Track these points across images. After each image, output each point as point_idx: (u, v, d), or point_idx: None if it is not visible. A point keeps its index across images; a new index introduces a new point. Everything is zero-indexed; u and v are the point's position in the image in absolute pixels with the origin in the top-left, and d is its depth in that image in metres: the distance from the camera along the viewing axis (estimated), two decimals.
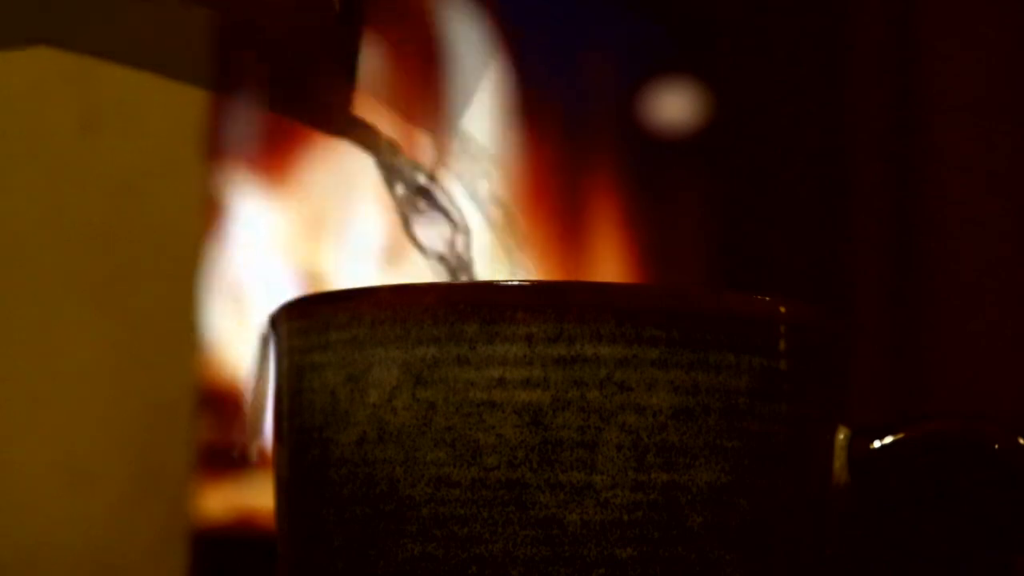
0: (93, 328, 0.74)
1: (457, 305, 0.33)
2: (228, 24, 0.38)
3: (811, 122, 1.46)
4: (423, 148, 0.40)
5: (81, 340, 0.74)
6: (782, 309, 0.34)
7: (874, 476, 0.35)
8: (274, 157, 1.38)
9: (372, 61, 0.39)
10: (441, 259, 0.39)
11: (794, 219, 1.46)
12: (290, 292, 1.26)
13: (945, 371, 1.37)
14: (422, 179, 0.39)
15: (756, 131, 1.47)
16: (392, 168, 0.39)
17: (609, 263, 1.46)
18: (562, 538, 0.32)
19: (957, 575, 0.38)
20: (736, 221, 1.49)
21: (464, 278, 0.39)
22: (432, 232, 0.39)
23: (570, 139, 1.50)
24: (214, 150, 1.06)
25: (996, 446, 0.35)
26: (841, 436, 0.35)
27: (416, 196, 0.39)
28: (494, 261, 0.40)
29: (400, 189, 0.39)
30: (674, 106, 1.50)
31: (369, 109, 0.39)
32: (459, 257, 0.39)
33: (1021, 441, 0.35)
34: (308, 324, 0.35)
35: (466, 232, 0.39)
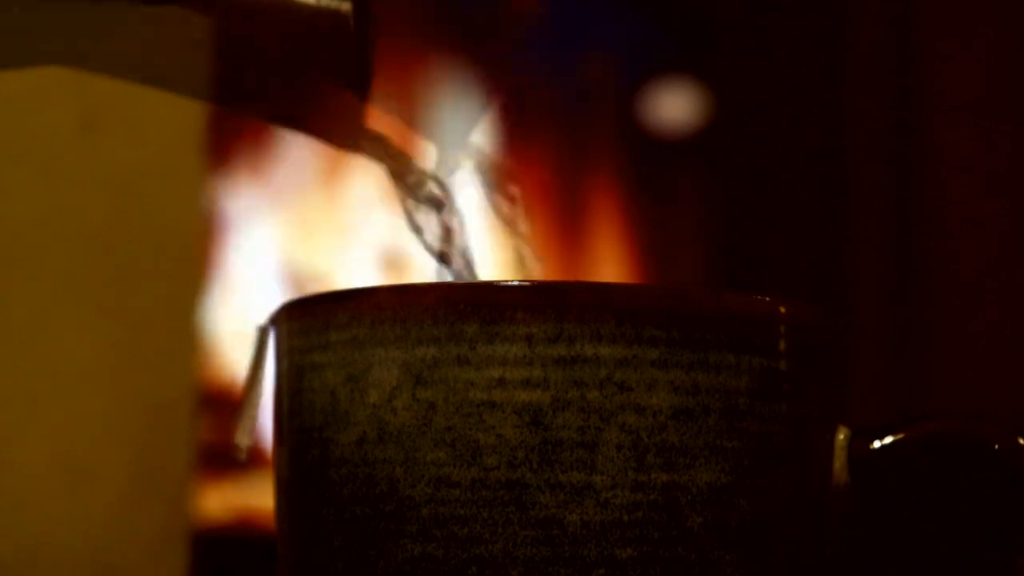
0: (93, 328, 0.74)
1: (457, 305, 0.33)
2: (235, 38, 0.38)
3: (811, 122, 1.46)
4: (430, 156, 0.40)
5: (81, 340, 0.74)
6: (782, 309, 0.34)
7: (874, 476, 0.35)
8: (274, 157, 1.38)
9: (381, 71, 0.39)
10: (446, 263, 0.40)
11: (794, 219, 1.46)
12: (290, 292, 1.26)
13: (945, 371, 1.38)
14: (431, 187, 0.39)
15: (756, 131, 1.47)
16: (401, 177, 0.39)
17: (609, 263, 1.46)
18: (562, 538, 0.32)
19: (957, 575, 0.38)
20: (736, 221, 1.49)
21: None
22: (438, 236, 0.40)
23: (570, 139, 1.50)
24: (214, 150, 1.06)
25: (996, 446, 0.35)
26: (841, 436, 0.35)
27: (424, 203, 0.39)
28: (502, 265, 0.40)
29: (409, 197, 0.39)
30: (674, 106, 1.50)
31: (376, 119, 0.39)
32: (465, 262, 0.40)
33: (1021, 441, 0.35)
34: (308, 324, 0.35)
35: (469, 236, 0.40)
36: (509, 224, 0.41)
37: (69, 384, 0.74)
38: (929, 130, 1.39)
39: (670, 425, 0.32)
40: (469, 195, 0.40)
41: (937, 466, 0.35)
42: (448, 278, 0.40)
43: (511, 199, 0.41)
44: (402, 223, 0.40)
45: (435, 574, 0.32)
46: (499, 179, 0.41)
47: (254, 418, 0.38)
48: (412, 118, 0.40)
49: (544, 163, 1.45)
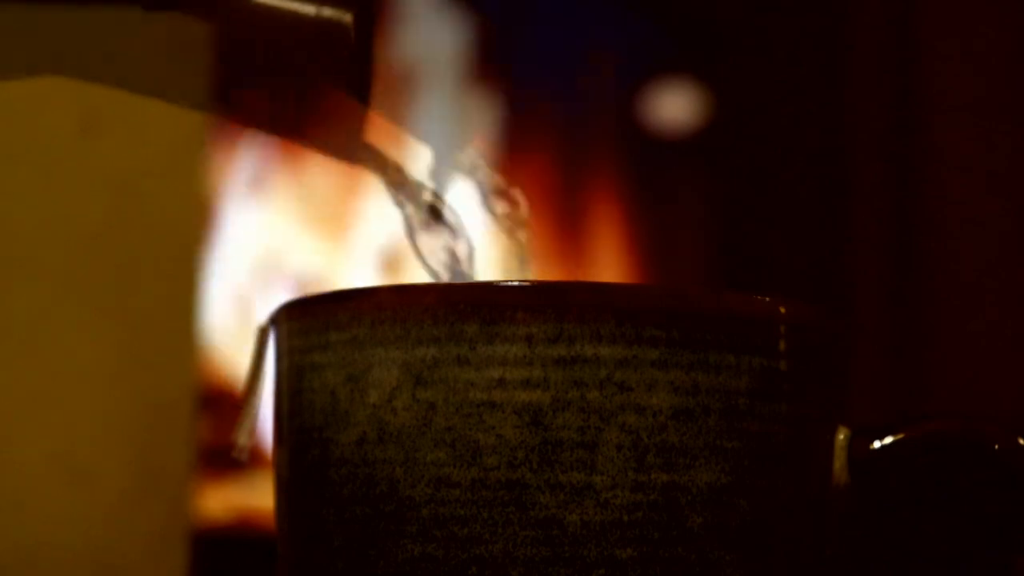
0: (93, 328, 0.74)
1: (457, 305, 0.33)
2: (235, 48, 0.38)
3: (811, 122, 1.46)
4: (428, 166, 0.40)
5: (81, 340, 0.74)
6: (782, 309, 0.34)
7: (874, 476, 0.35)
8: (274, 157, 1.38)
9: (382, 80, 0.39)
10: (446, 271, 0.40)
11: (794, 219, 1.46)
12: (290, 292, 1.26)
13: (945, 371, 1.37)
14: (428, 197, 0.40)
15: (756, 131, 1.47)
16: (399, 188, 0.39)
17: (609, 263, 1.46)
18: (562, 538, 0.32)
19: (957, 575, 0.38)
20: (736, 221, 1.49)
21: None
22: (437, 246, 0.40)
23: (570, 139, 1.50)
24: (214, 151, 1.06)
25: (996, 446, 0.35)
26: (841, 436, 0.35)
27: (423, 213, 0.40)
28: (503, 271, 0.40)
29: (407, 208, 0.39)
30: (674, 106, 1.50)
31: (376, 131, 0.39)
32: (462, 272, 0.40)
33: (1021, 441, 0.35)
34: (308, 324, 0.35)
35: (470, 245, 0.40)
36: (509, 229, 0.41)
37: (69, 384, 0.74)
38: (929, 130, 1.39)
39: (670, 425, 0.32)
40: (469, 200, 0.40)
41: (937, 466, 0.35)
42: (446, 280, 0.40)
43: (512, 204, 0.41)
44: (409, 240, 0.40)
45: (435, 574, 0.32)
46: (500, 183, 0.41)
47: (254, 418, 0.38)
48: (405, 122, 0.41)
49: (544, 163, 1.45)
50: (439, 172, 0.40)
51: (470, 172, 0.40)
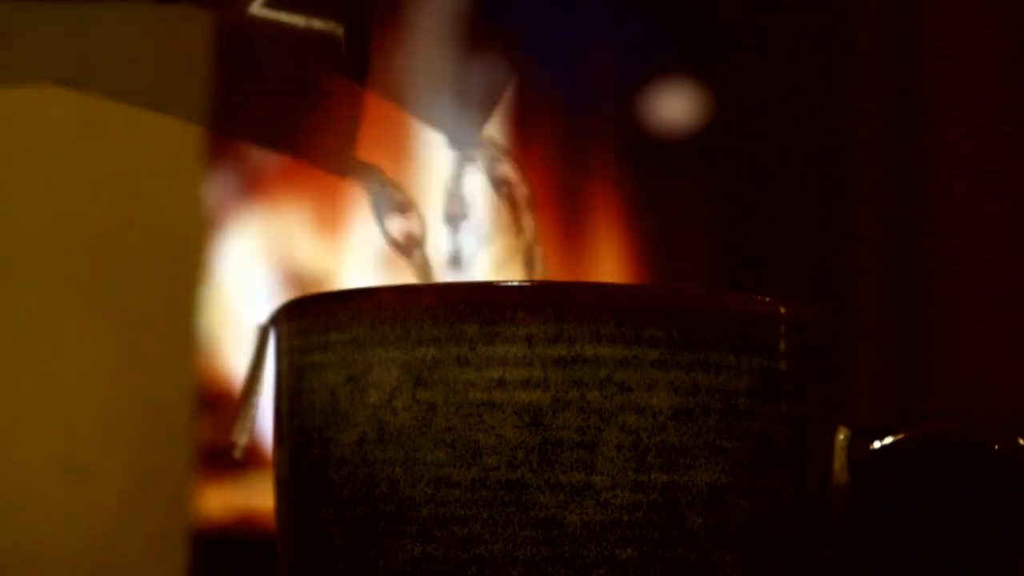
0: (93, 328, 0.74)
1: (457, 305, 0.33)
2: (230, 61, 0.38)
3: (811, 122, 1.46)
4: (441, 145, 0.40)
5: (81, 340, 0.74)
6: (782, 309, 0.34)
7: (874, 476, 0.35)
8: (273, 157, 1.38)
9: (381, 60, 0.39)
10: (410, 255, 0.40)
11: (794, 219, 1.46)
12: (289, 292, 1.26)
13: (945, 371, 1.37)
14: (399, 197, 0.40)
15: (756, 131, 1.47)
16: (381, 198, 0.40)
17: (609, 263, 1.46)
18: (562, 539, 0.32)
19: (957, 575, 0.38)
20: (736, 221, 1.49)
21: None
22: (399, 231, 0.40)
23: (570, 139, 1.49)
24: (214, 151, 1.06)
25: (996, 446, 0.35)
26: (841, 436, 0.35)
27: (385, 208, 0.40)
28: (505, 264, 0.40)
29: (389, 218, 0.40)
30: (674, 106, 1.50)
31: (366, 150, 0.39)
32: (422, 250, 0.40)
33: (1021, 441, 0.35)
34: (308, 324, 0.35)
35: (423, 222, 0.40)
36: (515, 225, 0.41)
37: (69, 384, 0.74)
38: (929, 130, 1.39)
39: (670, 425, 0.32)
40: (479, 196, 0.40)
41: (937, 466, 0.35)
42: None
43: (518, 202, 0.41)
44: (391, 247, 0.40)
45: (435, 574, 0.32)
46: (507, 181, 0.41)
47: (253, 417, 0.38)
48: (419, 109, 0.41)
49: (544, 163, 1.45)
50: (457, 155, 0.40)
51: (482, 159, 0.40)
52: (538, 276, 0.41)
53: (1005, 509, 0.36)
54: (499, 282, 0.34)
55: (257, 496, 1.26)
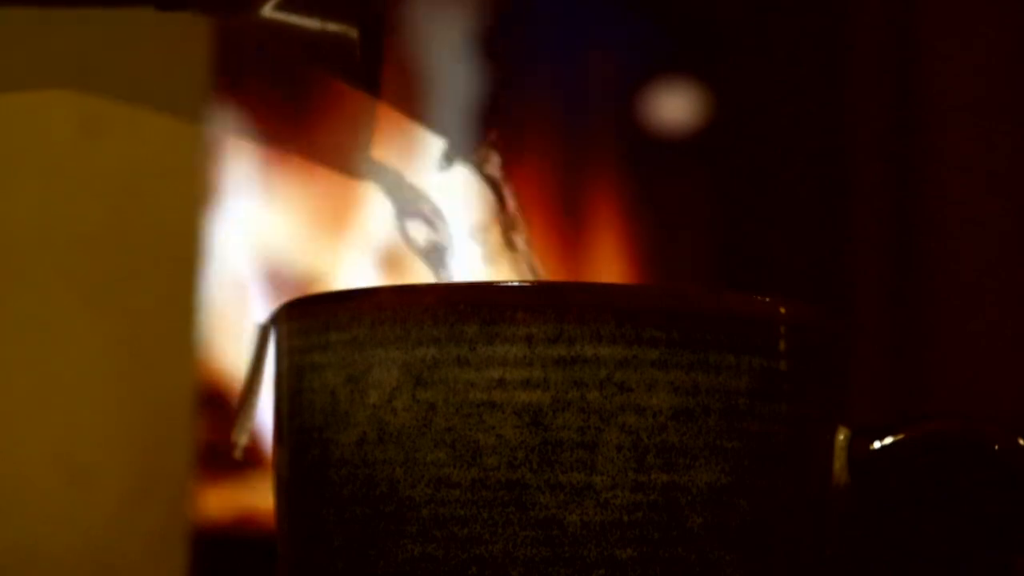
0: (93, 328, 0.74)
1: (457, 306, 0.33)
2: (241, 63, 0.38)
3: (811, 122, 1.45)
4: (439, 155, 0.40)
5: (81, 340, 0.74)
6: (782, 309, 0.34)
7: (874, 476, 0.35)
8: (273, 157, 1.38)
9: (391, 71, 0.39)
10: (437, 264, 0.40)
11: (794, 219, 1.46)
12: (290, 292, 1.26)
13: (945, 371, 1.37)
14: (427, 208, 0.40)
15: (756, 131, 1.47)
16: (400, 199, 0.40)
17: (609, 263, 1.46)
18: (562, 539, 0.32)
19: (957, 575, 0.38)
20: (736, 221, 1.49)
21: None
22: (425, 241, 0.40)
23: (570, 139, 1.49)
24: (214, 152, 1.06)
25: (996, 446, 0.35)
26: (841, 436, 0.35)
27: (422, 222, 0.40)
28: (497, 264, 0.40)
29: (407, 219, 0.40)
30: (674, 106, 1.50)
31: (379, 148, 0.39)
32: (446, 260, 0.40)
33: (1021, 441, 0.35)
34: (308, 324, 0.35)
35: (448, 233, 0.40)
36: (508, 242, 0.41)
37: (69, 384, 0.74)
38: (929, 130, 1.39)
39: (670, 425, 0.32)
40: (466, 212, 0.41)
41: (937, 466, 0.36)
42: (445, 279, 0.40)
43: (511, 218, 0.41)
44: (408, 247, 0.40)
45: (435, 574, 0.32)
46: (498, 196, 0.41)
47: (252, 417, 0.38)
48: (416, 111, 0.41)
49: (544, 163, 1.45)
50: (443, 157, 0.40)
51: (479, 165, 0.41)
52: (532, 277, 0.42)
53: (1005, 509, 0.36)
54: (499, 282, 0.34)
55: (257, 496, 1.26)
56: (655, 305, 0.33)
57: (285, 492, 0.36)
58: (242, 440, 0.38)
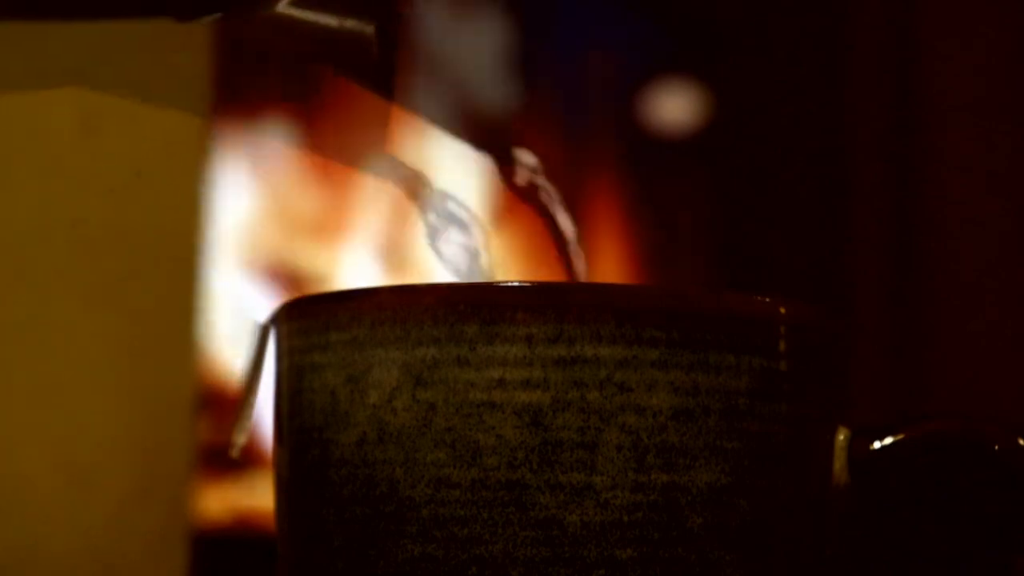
0: (93, 328, 0.74)
1: (457, 306, 0.33)
2: (255, 56, 0.38)
3: (811, 122, 1.46)
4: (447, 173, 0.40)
5: (81, 340, 0.74)
6: (782, 309, 0.34)
7: (874, 476, 0.35)
8: (273, 157, 1.38)
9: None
10: (465, 267, 0.40)
11: (794, 219, 1.46)
12: (290, 292, 1.26)
13: (945, 371, 1.37)
14: (451, 206, 0.40)
15: (756, 131, 1.47)
16: (422, 197, 0.40)
17: (609, 263, 1.46)
18: (562, 539, 0.32)
19: (957, 575, 0.38)
20: (736, 221, 1.49)
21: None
22: (454, 245, 0.40)
23: (570, 139, 1.50)
24: (215, 151, 1.06)
25: (996, 446, 0.35)
26: (841, 436, 0.35)
27: (444, 221, 0.40)
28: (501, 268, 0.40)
29: (430, 216, 0.40)
30: (674, 106, 1.50)
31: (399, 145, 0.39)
32: (479, 263, 0.40)
33: (1021, 441, 0.35)
34: (308, 324, 0.35)
35: (481, 235, 0.40)
36: (566, 262, 0.41)
37: (69, 384, 0.74)
38: (929, 130, 1.39)
39: (670, 426, 0.32)
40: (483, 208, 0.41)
41: (937, 466, 0.36)
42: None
43: (566, 240, 0.41)
44: (402, 225, 0.40)
45: (435, 574, 0.32)
46: (550, 220, 0.41)
47: (251, 417, 0.38)
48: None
49: (544, 163, 1.45)
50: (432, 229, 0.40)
51: (527, 193, 0.41)
52: (580, 276, 0.42)
53: (1005, 509, 0.36)
54: (499, 282, 0.34)
55: (257, 496, 1.26)
56: (655, 305, 0.33)
57: (285, 492, 0.36)
58: (241, 440, 0.38)
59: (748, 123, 1.47)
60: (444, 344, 0.33)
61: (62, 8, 0.37)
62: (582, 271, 0.41)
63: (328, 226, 1.39)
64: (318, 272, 1.39)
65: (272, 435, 0.36)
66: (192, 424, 0.78)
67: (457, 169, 0.41)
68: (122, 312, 0.75)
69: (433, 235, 0.40)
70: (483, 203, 0.42)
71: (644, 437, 0.32)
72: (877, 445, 0.35)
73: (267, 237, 1.40)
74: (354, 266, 1.36)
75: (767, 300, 0.34)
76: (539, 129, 1.46)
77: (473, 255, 0.40)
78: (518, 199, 0.41)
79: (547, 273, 0.41)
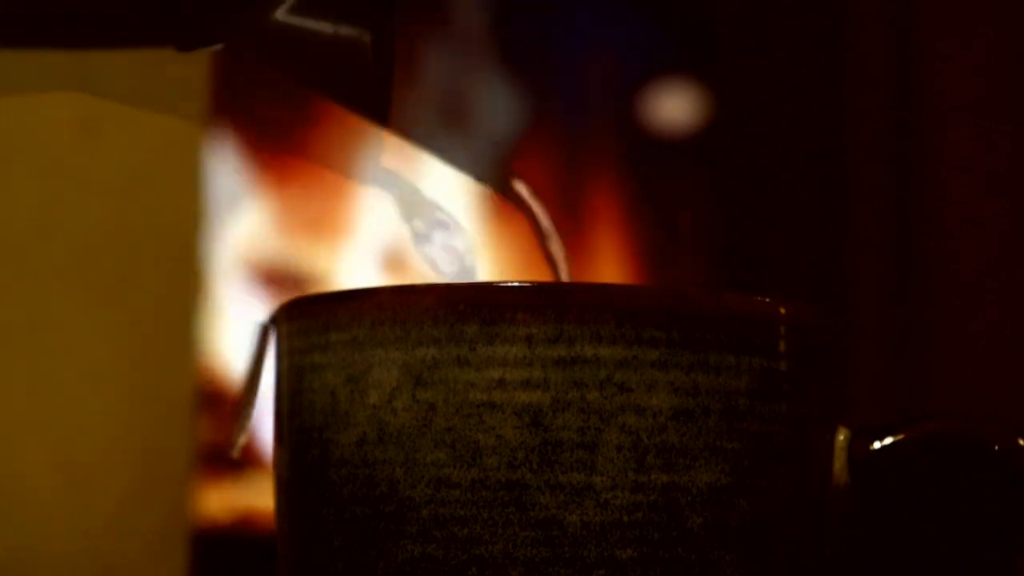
0: (93, 328, 0.74)
1: (457, 306, 0.33)
2: (251, 65, 0.38)
3: (811, 122, 1.46)
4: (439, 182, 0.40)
5: (81, 340, 0.74)
6: (782, 310, 0.34)
7: (874, 477, 0.35)
8: (274, 158, 1.38)
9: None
10: (453, 270, 0.40)
11: (794, 219, 1.46)
12: (289, 292, 1.26)
13: (945, 371, 1.37)
14: (439, 214, 0.40)
15: (756, 131, 1.47)
16: (411, 206, 0.40)
17: (609, 263, 1.46)
18: (562, 539, 0.32)
19: (957, 575, 0.38)
20: (736, 221, 1.49)
21: None
22: (441, 248, 0.40)
23: (570, 139, 1.50)
24: (214, 152, 1.06)
25: (996, 446, 0.35)
26: (841, 437, 0.35)
27: (431, 227, 0.40)
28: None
29: (417, 222, 0.40)
30: (674, 106, 1.50)
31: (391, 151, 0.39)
32: (465, 265, 0.40)
33: (1021, 441, 0.35)
34: (308, 324, 0.35)
35: (468, 238, 0.40)
36: (548, 256, 0.41)
37: (69, 385, 0.74)
38: (929, 130, 1.39)
39: (670, 426, 0.32)
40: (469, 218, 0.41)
41: (937, 466, 0.35)
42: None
43: (547, 233, 0.41)
44: (418, 252, 0.40)
45: (435, 574, 0.32)
46: (530, 216, 0.41)
47: (251, 417, 0.38)
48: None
49: (544, 163, 1.45)
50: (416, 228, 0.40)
51: (504, 191, 0.41)
52: (561, 270, 0.42)
53: (1005, 509, 0.36)
54: (499, 282, 0.34)
55: (257, 496, 1.26)
56: (655, 305, 0.33)
57: (285, 492, 0.36)
58: (241, 440, 0.38)
59: (748, 123, 1.47)
60: (444, 344, 0.33)
61: (65, 38, 0.37)
62: (563, 264, 0.41)
63: (328, 227, 1.39)
64: (318, 272, 1.39)
65: (272, 435, 0.36)
66: (192, 424, 0.78)
67: (445, 170, 0.41)
68: (122, 312, 0.75)
69: (420, 240, 0.40)
70: (471, 202, 0.42)
71: (644, 437, 0.32)
72: (877, 445, 0.35)
73: (267, 238, 1.40)
74: (354, 267, 1.36)
75: (767, 300, 0.34)
76: (539, 130, 1.46)
77: (461, 259, 0.40)
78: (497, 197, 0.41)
79: (540, 273, 0.41)
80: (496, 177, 0.41)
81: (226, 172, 1.35)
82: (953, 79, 1.39)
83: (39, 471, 0.73)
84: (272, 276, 1.38)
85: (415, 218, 0.40)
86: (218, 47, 0.37)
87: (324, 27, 0.37)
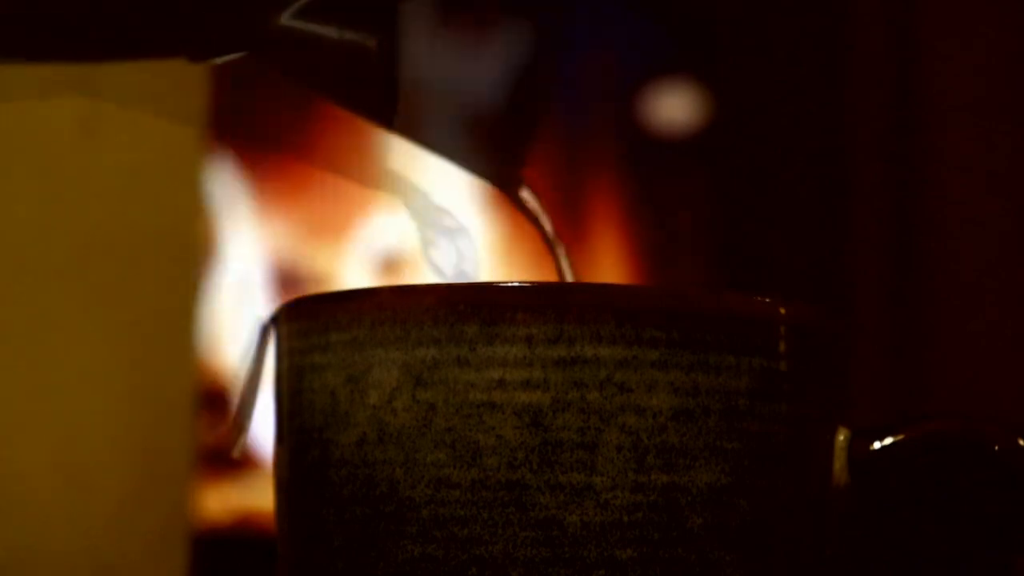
0: (93, 329, 0.74)
1: (457, 306, 0.33)
2: (256, 71, 0.38)
3: (811, 122, 1.46)
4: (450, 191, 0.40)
5: (81, 341, 0.74)
6: (782, 310, 0.34)
7: (874, 477, 0.35)
8: (274, 159, 1.38)
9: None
10: (457, 271, 0.40)
11: (794, 219, 1.46)
12: (290, 293, 1.26)
13: (945, 371, 1.37)
14: (448, 221, 0.40)
15: (756, 131, 1.47)
16: (418, 210, 0.40)
17: (609, 263, 1.46)
18: (562, 539, 0.32)
19: (957, 575, 0.38)
20: (736, 221, 1.49)
21: None
22: (446, 251, 0.40)
23: (570, 139, 1.49)
24: (214, 153, 1.06)
25: (996, 446, 0.35)
26: (841, 437, 0.35)
27: (438, 232, 0.40)
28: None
29: (425, 228, 0.40)
30: (674, 106, 1.50)
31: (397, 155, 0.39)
32: (468, 268, 0.40)
33: (1021, 441, 0.35)
34: (308, 325, 0.35)
35: (471, 240, 0.40)
36: (554, 261, 0.41)
37: (69, 385, 0.74)
38: (929, 130, 1.39)
39: (670, 426, 0.32)
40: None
41: (937, 466, 0.35)
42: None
43: (552, 239, 0.41)
44: (404, 224, 0.40)
45: (435, 575, 0.32)
46: (536, 222, 0.41)
47: (251, 416, 0.38)
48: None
49: (544, 163, 1.45)
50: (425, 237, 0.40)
51: (513, 196, 0.41)
52: (564, 268, 0.42)
53: (1005, 509, 0.36)
54: (499, 283, 0.34)
55: (257, 496, 1.26)
56: (655, 305, 0.33)
57: (285, 492, 0.36)
58: (241, 440, 0.38)
59: (748, 123, 1.47)
60: (444, 344, 0.33)
61: (77, 52, 0.37)
62: (568, 272, 0.41)
63: (328, 228, 1.39)
64: (318, 272, 1.39)
65: (272, 435, 0.36)
66: (192, 424, 0.78)
67: (451, 171, 0.41)
68: (122, 312, 0.75)
69: (427, 246, 0.40)
70: (475, 202, 0.42)
71: (644, 437, 0.32)
72: (877, 445, 0.35)
73: (267, 238, 1.40)
74: (354, 268, 1.36)
75: (767, 300, 0.34)
76: (539, 129, 1.46)
77: (467, 265, 0.40)
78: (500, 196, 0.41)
79: (546, 276, 0.41)
80: (505, 180, 0.41)
81: (226, 173, 1.35)
82: (953, 79, 1.39)
83: (39, 471, 0.73)
84: (272, 276, 1.38)
85: (425, 226, 0.40)
86: (231, 57, 0.37)
87: (329, 31, 0.37)
